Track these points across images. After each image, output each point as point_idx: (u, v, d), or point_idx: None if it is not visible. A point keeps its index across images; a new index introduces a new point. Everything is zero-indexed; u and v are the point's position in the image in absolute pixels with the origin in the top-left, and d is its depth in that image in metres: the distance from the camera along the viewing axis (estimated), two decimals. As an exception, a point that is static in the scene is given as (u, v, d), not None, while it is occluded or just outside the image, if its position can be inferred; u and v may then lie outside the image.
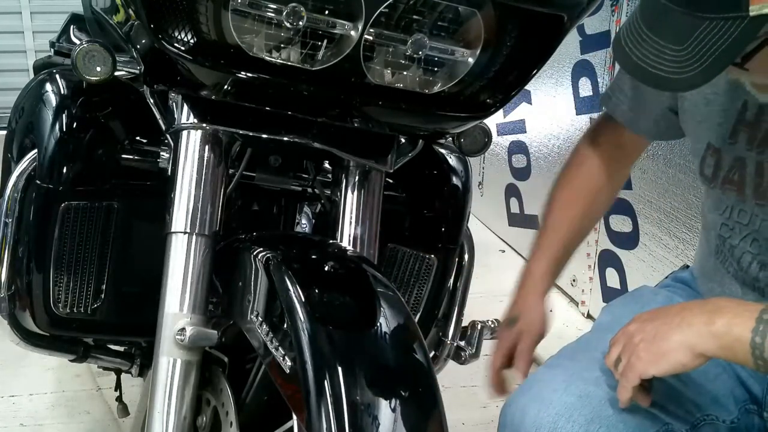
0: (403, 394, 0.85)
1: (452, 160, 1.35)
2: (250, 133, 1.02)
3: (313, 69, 0.96)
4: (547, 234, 1.27)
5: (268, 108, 1.01)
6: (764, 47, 0.84)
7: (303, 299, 0.88)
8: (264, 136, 1.02)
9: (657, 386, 0.97)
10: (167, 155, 1.13)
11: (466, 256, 1.40)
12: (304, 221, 1.36)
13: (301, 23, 0.92)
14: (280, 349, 0.87)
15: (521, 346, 1.19)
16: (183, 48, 0.94)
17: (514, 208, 3.34)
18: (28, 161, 1.16)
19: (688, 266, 1.30)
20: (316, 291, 0.90)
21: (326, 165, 1.23)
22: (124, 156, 1.18)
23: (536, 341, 1.21)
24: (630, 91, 1.23)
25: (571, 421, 0.97)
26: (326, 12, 0.94)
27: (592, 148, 1.30)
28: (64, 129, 1.15)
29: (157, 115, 1.08)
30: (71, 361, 1.31)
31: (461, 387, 2.23)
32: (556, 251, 1.26)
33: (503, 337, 1.22)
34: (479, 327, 1.41)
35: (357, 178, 1.10)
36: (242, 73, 0.95)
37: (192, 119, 1.02)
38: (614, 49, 0.90)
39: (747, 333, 0.85)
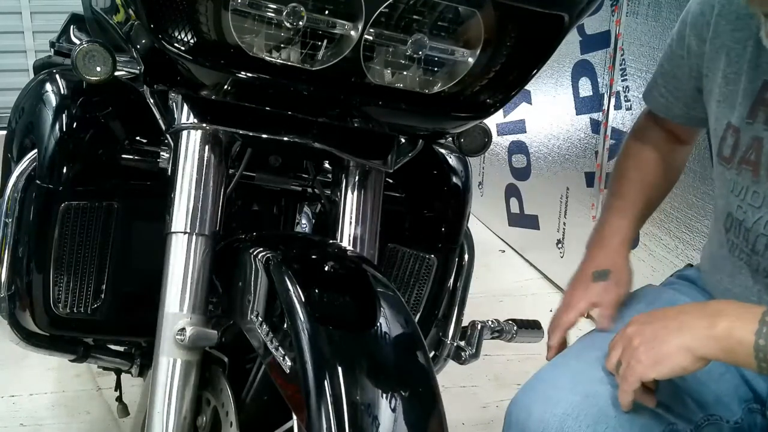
0: (403, 394, 0.85)
1: (452, 160, 1.35)
2: (250, 133, 1.02)
3: (313, 69, 0.96)
4: (627, 194, 1.28)
5: (268, 108, 1.01)
6: None
7: (303, 299, 0.88)
8: (264, 136, 1.02)
9: (662, 386, 0.97)
10: (167, 155, 1.13)
11: (466, 256, 1.40)
12: (304, 221, 1.36)
13: (301, 23, 0.92)
14: (280, 349, 0.87)
15: (608, 299, 1.18)
16: (183, 48, 0.94)
17: (514, 208, 3.34)
18: (28, 161, 1.16)
19: (691, 265, 1.30)
20: (316, 291, 0.90)
21: (326, 165, 1.23)
22: (124, 156, 1.18)
23: (623, 297, 1.20)
24: (661, 79, 1.24)
25: (578, 421, 0.97)
26: (326, 12, 0.93)
27: (642, 141, 1.32)
28: (64, 129, 1.15)
29: (157, 115, 1.08)
30: (71, 361, 1.31)
31: (461, 387, 2.23)
32: (638, 210, 1.27)
33: (589, 290, 1.20)
34: (479, 327, 1.41)
35: (357, 178, 1.10)
36: (242, 73, 0.95)
37: (192, 119, 1.02)
38: None
39: (749, 336, 0.85)
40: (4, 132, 1.29)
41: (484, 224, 3.54)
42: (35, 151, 1.16)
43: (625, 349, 0.95)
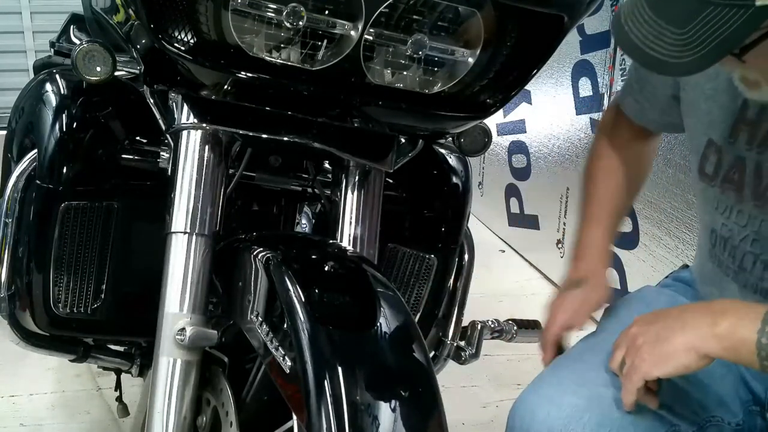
0: (403, 394, 0.85)
1: (452, 160, 1.35)
2: (250, 133, 1.02)
3: (313, 69, 0.96)
4: (598, 202, 1.27)
5: (268, 108, 1.01)
6: (764, 40, 0.82)
7: (303, 299, 0.88)
8: (264, 136, 1.02)
9: (665, 388, 0.97)
10: (167, 155, 1.13)
11: (466, 256, 1.40)
12: (304, 221, 1.36)
13: (301, 23, 0.92)
14: (280, 349, 0.87)
15: (584, 309, 1.18)
16: (183, 48, 0.94)
17: (514, 208, 3.34)
18: (28, 161, 1.16)
19: (687, 266, 1.30)
20: (316, 291, 0.90)
21: (326, 165, 1.23)
22: (124, 156, 1.18)
23: (599, 306, 1.20)
24: (636, 84, 1.23)
25: (581, 424, 0.97)
26: (326, 12, 0.94)
27: (611, 140, 1.30)
28: (64, 129, 1.15)
29: (157, 115, 1.08)
30: (71, 361, 1.30)
31: (461, 387, 2.23)
32: (611, 220, 1.27)
33: (567, 299, 1.19)
34: (479, 327, 1.41)
35: (357, 178, 1.10)
36: (242, 73, 0.95)
37: (192, 119, 1.02)
38: (613, 26, 0.88)
39: (752, 334, 0.85)
40: (4, 132, 1.29)
41: (484, 224, 3.54)
42: (35, 151, 1.16)
43: (629, 348, 0.95)
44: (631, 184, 1.30)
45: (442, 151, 1.34)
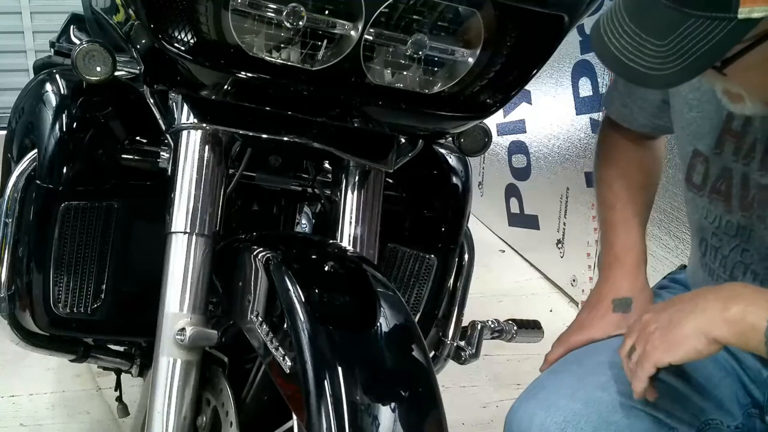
0: (403, 394, 0.85)
1: (452, 160, 1.35)
2: (250, 133, 1.02)
3: (313, 69, 0.96)
4: (623, 204, 1.22)
5: (268, 108, 1.01)
6: (745, 54, 0.81)
7: (303, 299, 0.88)
8: (264, 136, 1.02)
9: (664, 390, 0.96)
10: (167, 155, 1.13)
11: (466, 256, 1.40)
12: (304, 221, 1.36)
13: (301, 23, 0.92)
14: (280, 349, 0.87)
15: (619, 331, 1.11)
16: (183, 48, 0.94)
17: (514, 208, 3.34)
18: (28, 161, 1.16)
19: (685, 266, 1.29)
20: (316, 291, 0.90)
21: (326, 165, 1.23)
22: (124, 156, 1.18)
23: None
24: (623, 88, 1.22)
25: (578, 429, 0.97)
26: (326, 12, 0.94)
27: (616, 144, 1.27)
28: (64, 129, 1.15)
29: (157, 115, 1.08)
30: (71, 361, 1.30)
31: (461, 387, 2.23)
32: (640, 218, 1.22)
33: (607, 318, 1.14)
34: (479, 327, 1.41)
35: (357, 178, 1.10)
36: (242, 73, 0.95)
37: (192, 119, 1.02)
38: (592, 37, 0.87)
39: (761, 321, 0.84)
40: (4, 132, 1.29)
41: (484, 224, 3.53)
42: (35, 151, 1.16)
43: (640, 335, 0.94)
44: (646, 183, 1.26)
45: (442, 151, 1.34)
